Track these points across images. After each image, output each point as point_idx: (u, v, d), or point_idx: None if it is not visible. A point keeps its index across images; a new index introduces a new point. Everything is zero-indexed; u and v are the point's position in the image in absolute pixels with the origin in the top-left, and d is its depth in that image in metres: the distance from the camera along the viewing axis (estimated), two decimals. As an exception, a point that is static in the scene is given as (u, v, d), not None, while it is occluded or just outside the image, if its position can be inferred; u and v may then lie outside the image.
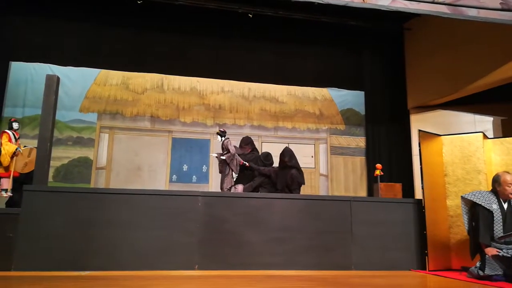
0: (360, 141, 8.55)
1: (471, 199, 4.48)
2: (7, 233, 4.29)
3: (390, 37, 8.47)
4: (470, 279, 4.28)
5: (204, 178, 7.83)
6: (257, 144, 7.68)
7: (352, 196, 7.55)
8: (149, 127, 7.80)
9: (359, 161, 8.45)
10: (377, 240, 5.05)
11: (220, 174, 5.96)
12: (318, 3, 5.21)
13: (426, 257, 4.95)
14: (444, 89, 7.28)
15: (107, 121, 7.64)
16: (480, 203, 4.39)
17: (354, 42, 8.57)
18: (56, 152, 7.03)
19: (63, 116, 7.37)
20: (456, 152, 5.33)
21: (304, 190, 7.67)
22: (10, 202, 5.55)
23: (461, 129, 7.01)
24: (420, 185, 5.19)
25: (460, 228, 5.07)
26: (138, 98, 7.82)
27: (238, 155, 5.94)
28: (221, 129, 6.08)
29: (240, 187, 5.75)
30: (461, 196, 4.65)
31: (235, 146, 5.99)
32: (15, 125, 5.87)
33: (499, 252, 4.16)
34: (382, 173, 6.04)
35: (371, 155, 8.31)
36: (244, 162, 5.82)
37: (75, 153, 7.40)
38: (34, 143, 5.75)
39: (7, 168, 5.53)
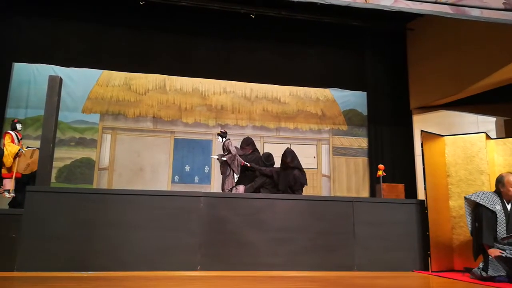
0: (362, 142, 8.54)
1: (475, 199, 4.46)
2: (10, 234, 4.30)
3: (393, 38, 8.46)
4: (473, 280, 4.26)
5: (206, 178, 7.84)
6: (259, 145, 7.69)
7: (355, 197, 7.52)
8: (151, 128, 7.81)
9: (362, 162, 8.44)
10: (380, 241, 5.04)
11: (222, 175, 5.96)
12: (321, 3, 5.21)
13: (429, 258, 4.94)
14: (446, 89, 7.27)
15: (110, 122, 7.66)
16: (483, 203, 4.38)
17: (357, 43, 8.57)
18: (59, 153, 7.04)
19: (66, 117, 7.39)
20: (459, 152, 5.31)
21: (307, 191, 7.67)
22: (13, 203, 5.56)
23: (464, 130, 7.00)
24: (423, 185, 5.17)
25: (463, 229, 5.05)
26: (141, 99, 7.84)
27: (239, 156, 5.94)
28: (222, 130, 6.09)
29: (241, 188, 5.75)
30: (465, 197, 4.63)
31: (236, 147, 5.99)
32: (18, 126, 5.88)
33: (502, 253, 4.14)
34: (384, 174, 6.03)
35: (374, 156, 8.30)
36: (246, 163, 5.82)
37: (78, 154, 7.41)
38: (37, 144, 5.77)
39: (9, 169, 5.55)
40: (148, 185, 7.36)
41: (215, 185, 7.70)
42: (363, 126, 8.60)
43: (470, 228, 4.55)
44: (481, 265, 4.28)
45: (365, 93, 8.63)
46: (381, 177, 5.99)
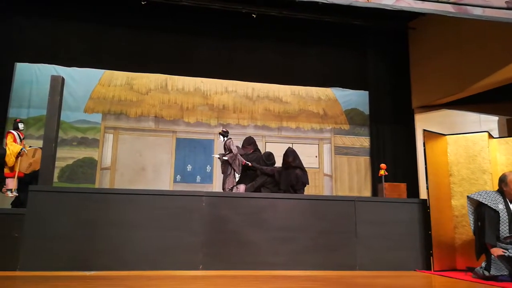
0: (364, 141, 8.53)
1: (477, 199, 4.45)
2: (13, 233, 4.32)
3: (395, 37, 8.44)
4: (475, 279, 4.25)
5: (208, 178, 7.84)
6: (261, 144, 7.69)
7: (357, 196, 7.54)
8: (153, 128, 7.82)
9: (364, 161, 8.43)
10: (382, 240, 5.03)
11: (223, 175, 5.97)
12: (323, 2, 5.20)
13: (431, 257, 4.93)
14: (449, 88, 7.25)
15: (112, 121, 7.67)
16: (486, 203, 4.37)
17: (358, 42, 8.56)
18: (61, 152, 7.05)
19: (68, 117, 7.40)
20: (461, 151, 5.30)
21: (308, 190, 7.66)
22: (16, 202, 5.58)
23: (466, 129, 6.99)
24: (425, 185, 5.16)
25: (465, 228, 5.04)
26: (142, 99, 7.84)
27: (241, 155, 5.95)
28: (224, 129, 6.09)
29: (242, 187, 5.75)
30: (467, 196, 4.62)
31: (237, 146, 5.99)
32: (20, 126, 5.89)
33: (505, 253, 4.13)
34: (386, 173, 6.02)
35: (376, 155, 8.29)
36: (247, 162, 5.82)
37: (80, 153, 7.43)
38: (39, 143, 5.78)
39: (12, 168, 5.56)
40: (150, 185, 7.36)
41: (217, 185, 7.70)
42: (365, 125, 8.59)
43: (472, 227, 4.55)
44: (483, 264, 4.27)
45: (367, 92, 8.62)
46: (383, 176, 5.98)
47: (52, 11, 7.40)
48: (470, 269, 4.54)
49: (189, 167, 7.80)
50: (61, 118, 5.47)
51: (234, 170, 5.82)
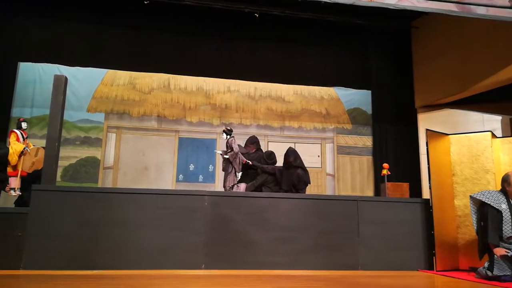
0: (367, 141, 8.51)
1: (480, 198, 4.44)
2: (16, 232, 4.34)
3: (398, 36, 8.42)
4: (478, 279, 4.24)
5: (210, 177, 7.85)
6: (263, 144, 7.69)
7: (359, 196, 7.53)
8: (156, 127, 7.83)
9: (366, 161, 8.42)
10: (384, 240, 5.03)
11: (224, 173, 5.98)
12: (325, 2, 5.20)
13: (434, 257, 4.92)
14: (452, 88, 7.22)
15: (114, 121, 7.68)
16: (489, 202, 4.36)
17: (361, 41, 8.54)
18: (64, 151, 7.07)
19: (71, 116, 7.42)
20: (464, 151, 5.28)
21: (311, 190, 7.66)
22: (20, 201, 5.60)
23: (469, 128, 6.96)
24: (428, 184, 5.15)
25: (468, 228, 5.03)
26: (145, 98, 7.86)
27: (243, 154, 5.95)
28: (228, 128, 6.11)
29: (242, 186, 5.76)
30: (470, 196, 4.61)
31: (239, 145, 6.00)
32: (23, 125, 5.91)
33: (508, 253, 4.12)
34: (389, 173, 6.01)
35: (378, 155, 8.27)
36: (247, 161, 5.82)
37: (83, 152, 7.45)
38: (42, 143, 5.79)
39: (14, 167, 5.58)
40: (152, 184, 7.38)
41: (219, 184, 7.71)
42: (367, 125, 8.57)
43: (475, 227, 4.53)
44: (486, 264, 4.26)
45: (369, 91, 8.60)
46: (385, 176, 5.97)
47: (56, 11, 7.42)
48: (473, 269, 4.52)
49: (191, 167, 7.81)
50: (64, 118, 5.49)
51: (235, 169, 5.83)
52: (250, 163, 5.83)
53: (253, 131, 7.86)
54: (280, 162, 5.88)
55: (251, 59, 8.14)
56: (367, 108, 8.61)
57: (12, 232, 4.34)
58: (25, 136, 5.89)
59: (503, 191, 4.43)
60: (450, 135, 5.42)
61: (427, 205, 5.19)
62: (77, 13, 7.48)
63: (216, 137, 7.98)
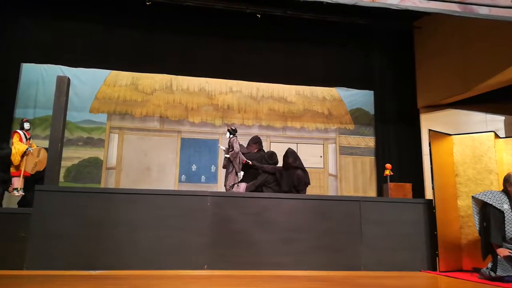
0: (369, 141, 8.50)
1: (482, 199, 4.43)
2: (19, 233, 4.35)
3: (400, 36, 8.41)
4: (481, 280, 4.23)
5: (212, 178, 7.85)
6: (265, 144, 7.69)
7: (362, 196, 7.52)
8: (158, 128, 7.85)
9: (369, 161, 8.41)
10: (387, 241, 5.02)
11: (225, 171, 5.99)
12: (327, 2, 5.19)
13: (437, 257, 4.91)
14: (454, 88, 7.21)
15: (117, 121, 7.70)
16: (491, 203, 4.34)
17: (363, 41, 8.53)
18: (67, 152, 7.09)
19: (74, 117, 7.44)
20: (467, 151, 5.27)
21: (313, 190, 7.66)
22: (23, 202, 5.62)
23: (472, 129, 6.95)
24: (431, 185, 5.14)
25: (471, 228, 5.01)
26: (147, 99, 7.87)
27: (245, 153, 5.96)
28: (233, 127, 6.12)
29: (242, 186, 5.76)
30: (472, 196, 4.60)
31: (240, 145, 6.00)
32: (26, 125, 5.94)
33: (511, 253, 4.11)
34: (391, 173, 6.00)
35: (381, 155, 8.26)
36: (247, 161, 5.82)
37: (86, 153, 7.47)
38: (45, 143, 5.81)
39: (17, 167, 5.60)
40: (155, 185, 7.39)
41: (221, 184, 7.70)
42: (370, 125, 8.56)
43: (478, 228, 4.52)
44: (489, 265, 4.25)
45: (372, 92, 8.59)
46: (388, 176, 5.96)
47: (58, 12, 7.45)
48: (476, 270, 4.51)
49: (194, 167, 7.82)
50: (67, 118, 5.51)
51: (235, 168, 5.84)
52: (250, 163, 5.83)
53: (255, 132, 7.86)
54: (281, 163, 5.88)
55: (253, 59, 8.14)
56: (370, 108, 8.60)
57: (15, 232, 4.35)
58: (28, 137, 5.91)
59: (505, 191, 4.42)
60: (453, 136, 5.41)
61: (430, 206, 5.18)
62: (79, 14, 7.51)
63: (218, 137, 7.98)
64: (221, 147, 6.40)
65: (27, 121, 6.03)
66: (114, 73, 7.82)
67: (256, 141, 6.23)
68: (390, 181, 5.96)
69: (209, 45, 8.01)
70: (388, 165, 6.04)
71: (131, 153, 7.62)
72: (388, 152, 8.24)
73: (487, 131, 5.37)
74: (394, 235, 5.05)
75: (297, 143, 8.07)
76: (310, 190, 5.79)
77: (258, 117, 8.23)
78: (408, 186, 6.10)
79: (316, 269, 4.74)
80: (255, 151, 6.12)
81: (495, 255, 4.21)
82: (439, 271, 4.84)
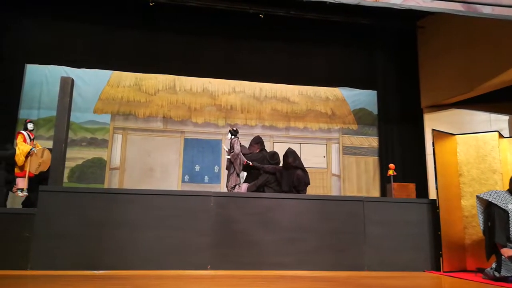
0: (372, 141, 8.48)
1: (487, 198, 4.42)
2: (24, 233, 4.37)
3: (403, 36, 8.37)
4: (485, 280, 4.21)
5: (216, 178, 7.86)
6: (268, 144, 7.69)
7: (365, 196, 7.51)
8: (161, 128, 7.86)
9: (372, 161, 8.39)
10: (391, 241, 5.01)
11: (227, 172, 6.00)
12: (330, 2, 5.18)
13: (441, 258, 4.90)
14: (458, 87, 7.18)
15: (120, 122, 7.72)
16: (495, 202, 4.33)
17: (367, 41, 8.51)
18: (71, 153, 7.12)
19: (77, 118, 7.47)
20: (471, 151, 5.25)
21: (316, 190, 7.65)
22: (27, 202, 5.64)
23: (476, 128, 6.90)
24: (434, 185, 5.13)
25: (475, 228, 4.99)
26: (151, 99, 7.89)
27: (247, 154, 5.97)
28: (234, 128, 6.12)
29: (244, 186, 5.77)
30: (476, 196, 4.58)
31: (242, 146, 6.01)
32: (30, 126, 5.96)
33: (516, 253, 4.09)
34: (395, 173, 5.99)
35: (384, 155, 8.24)
36: (248, 162, 5.83)
37: (89, 154, 7.49)
38: (49, 144, 5.84)
39: (22, 168, 5.63)
40: (158, 185, 7.40)
41: (224, 185, 7.71)
42: (373, 125, 8.54)
43: (482, 228, 4.51)
44: (494, 265, 4.23)
45: (375, 92, 8.57)
46: (391, 176, 5.95)
47: (62, 13, 7.47)
48: (480, 270, 4.50)
49: (197, 167, 7.83)
50: (71, 119, 5.54)
51: (236, 169, 5.85)
52: (251, 163, 5.83)
53: (258, 132, 7.85)
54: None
55: (256, 60, 8.14)
56: (373, 108, 8.58)
57: (19, 232, 4.37)
58: (32, 137, 5.94)
59: (510, 191, 4.40)
60: (457, 135, 5.39)
61: (433, 206, 5.17)
62: (82, 15, 7.52)
63: (221, 137, 7.99)
64: (225, 147, 6.41)
65: (30, 121, 6.05)
66: (117, 73, 7.85)
67: (258, 141, 6.23)
68: (394, 181, 5.95)
69: (212, 46, 8.01)
70: (391, 165, 6.03)
71: (135, 153, 7.64)
72: (391, 152, 8.21)
73: (491, 131, 5.35)
74: (398, 235, 5.04)
75: (300, 143, 8.07)
76: (313, 190, 5.79)
77: (261, 117, 8.23)
78: (412, 186, 6.08)
79: (319, 269, 4.74)
80: (257, 151, 6.13)
81: (499, 255, 4.20)
82: (443, 272, 4.83)
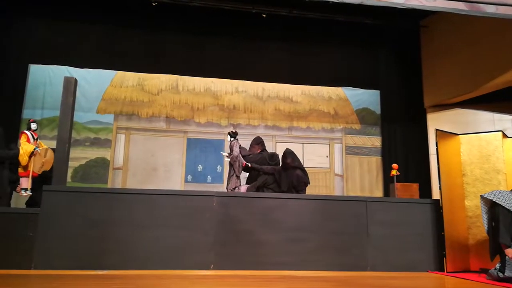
0: (376, 141, 8.47)
1: (491, 198, 4.40)
2: (27, 233, 4.39)
3: (406, 35, 8.35)
4: (489, 281, 4.19)
5: (218, 178, 7.86)
6: (271, 144, 7.69)
7: (368, 197, 7.48)
8: (164, 128, 7.87)
9: (375, 161, 8.37)
10: (394, 241, 5.00)
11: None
12: (333, 2, 5.18)
13: (444, 258, 4.88)
14: (461, 87, 7.15)
15: (124, 122, 7.74)
16: (500, 202, 4.31)
17: (370, 41, 8.49)
18: (74, 153, 7.14)
19: (81, 118, 7.49)
20: (474, 151, 5.23)
21: (319, 190, 7.65)
22: (31, 202, 5.66)
23: (479, 128, 6.88)
24: (438, 185, 5.11)
25: (479, 229, 4.97)
26: (154, 99, 7.90)
27: (247, 155, 5.96)
28: (233, 130, 6.12)
29: (243, 187, 5.77)
30: (481, 196, 4.57)
31: (242, 147, 6.01)
32: (33, 126, 5.99)
33: (520, 254, 4.07)
34: (398, 173, 5.97)
35: (387, 155, 8.22)
36: (247, 164, 5.82)
37: (93, 153, 7.51)
38: (53, 144, 5.85)
39: (25, 168, 5.65)
40: (161, 185, 7.41)
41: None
42: (376, 125, 8.53)
43: (486, 228, 4.49)
44: (497, 265, 4.22)
45: (378, 91, 8.55)
46: (395, 176, 5.93)
47: (65, 13, 7.49)
48: (484, 271, 4.48)
49: (200, 167, 7.84)
50: (74, 119, 5.55)
51: (235, 171, 5.85)
52: (250, 165, 5.82)
53: (261, 132, 7.86)
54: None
55: (259, 59, 8.14)
56: (376, 108, 8.57)
57: (23, 232, 4.39)
58: (35, 137, 5.96)
59: (515, 191, 4.38)
60: (460, 135, 5.37)
61: (437, 206, 5.15)
62: (86, 15, 7.55)
63: (224, 137, 7.99)
64: (224, 154, 6.40)
65: (34, 121, 6.08)
66: (120, 74, 7.87)
67: (258, 141, 6.23)
68: (397, 181, 5.94)
69: (215, 46, 8.02)
70: (394, 165, 6.01)
71: (138, 153, 7.65)
72: (394, 152, 8.19)
73: (494, 131, 5.33)
74: (401, 235, 5.03)
75: (303, 143, 8.06)
76: (316, 190, 5.79)
77: (264, 117, 8.23)
78: (415, 186, 6.07)
79: (322, 269, 4.74)
80: (258, 152, 6.12)
81: (503, 256, 4.18)
82: (446, 272, 4.81)
